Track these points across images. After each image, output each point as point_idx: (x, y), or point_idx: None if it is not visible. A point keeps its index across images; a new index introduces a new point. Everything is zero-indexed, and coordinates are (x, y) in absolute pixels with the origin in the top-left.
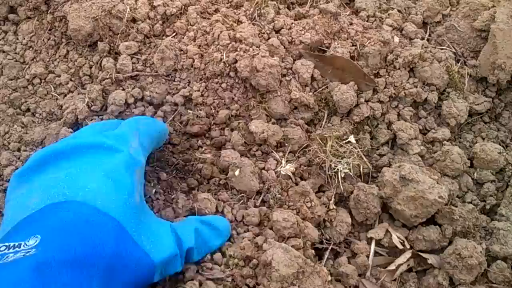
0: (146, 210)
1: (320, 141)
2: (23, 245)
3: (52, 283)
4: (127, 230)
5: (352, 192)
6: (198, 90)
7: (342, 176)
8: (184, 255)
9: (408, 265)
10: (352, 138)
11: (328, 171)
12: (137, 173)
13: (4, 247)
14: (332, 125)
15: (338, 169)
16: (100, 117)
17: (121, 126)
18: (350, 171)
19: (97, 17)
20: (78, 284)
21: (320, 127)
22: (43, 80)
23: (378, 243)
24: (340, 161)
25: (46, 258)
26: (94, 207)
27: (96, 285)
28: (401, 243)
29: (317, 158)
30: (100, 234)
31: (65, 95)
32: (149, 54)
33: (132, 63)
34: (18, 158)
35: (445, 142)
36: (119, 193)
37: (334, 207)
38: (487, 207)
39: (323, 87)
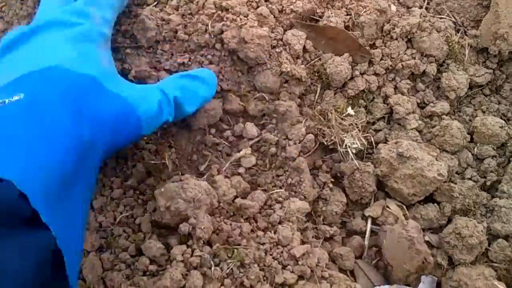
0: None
1: (320, 116)
2: (7, 100)
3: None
4: (104, 86)
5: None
6: (182, 64)
7: (354, 152)
8: (172, 104)
9: None
10: (351, 111)
11: (339, 147)
12: (103, 45)
13: None
14: (325, 100)
15: (347, 144)
16: None
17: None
18: (360, 146)
19: None
20: (66, 120)
21: (312, 101)
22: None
23: (374, 222)
24: (346, 136)
25: (32, 101)
26: (71, 70)
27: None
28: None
29: (321, 134)
30: (81, 91)
31: None
32: (128, 25)
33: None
34: None
35: (444, 116)
36: (91, 59)
37: (331, 185)
38: (488, 183)
39: (316, 59)
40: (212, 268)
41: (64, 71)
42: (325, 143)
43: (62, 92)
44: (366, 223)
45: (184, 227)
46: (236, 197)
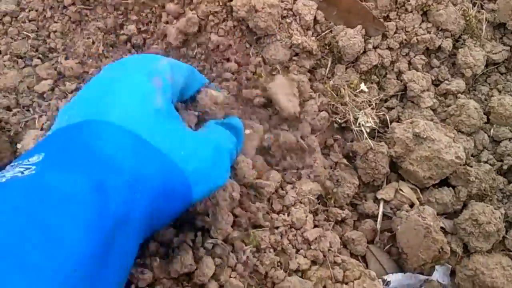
0: (174, 115)
1: (332, 92)
2: (25, 162)
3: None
4: (146, 140)
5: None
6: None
7: (368, 131)
8: (233, 156)
9: None
10: (364, 87)
11: (353, 126)
12: (156, 80)
13: (10, 166)
14: (337, 74)
15: (360, 123)
16: None
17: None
18: (374, 125)
19: None
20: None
21: (323, 76)
22: (14, 19)
23: (386, 205)
24: (359, 114)
25: (42, 183)
26: (108, 122)
27: (114, 207)
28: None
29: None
30: (115, 150)
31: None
32: None
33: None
34: None
35: (459, 95)
36: (135, 100)
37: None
38: (505, 167)
39: (327, 31)
40: (227, 255)
41: (103, 125)
42: (339, 120)
43: (82, 152)
44: (378, 206)
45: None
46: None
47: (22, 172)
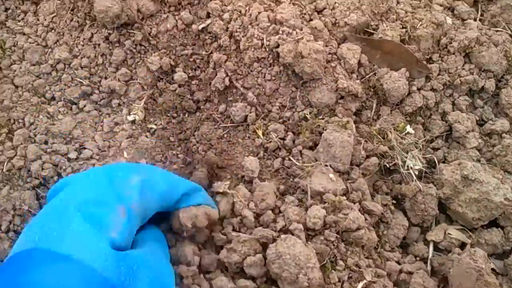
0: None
1: (378, 135)
2: None
3: None
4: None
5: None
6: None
7: (416, 173)
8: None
9: None
10: (410, 129)
11: (401, 169)
12: (120, 210)
13: None
14: (383, 117)
15: (408, 165)
16: None
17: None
18: (422, 167)
19: None
20: None
21: (368, 118)
22: (67, 66)
23: (436, 246)
24: (407, 157)
25: None
26: (65, 256)
27: None
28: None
29: (383, 154)
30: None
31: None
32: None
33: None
34: (46, 152)
35: (504, 134)
36: (97, 236)
37: (393, 208)
38: None
39: (371, 74)
40: None
41: (41, 256)
42: (387, 165)
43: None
44: (428, 247)
45: None
46: None
47: None
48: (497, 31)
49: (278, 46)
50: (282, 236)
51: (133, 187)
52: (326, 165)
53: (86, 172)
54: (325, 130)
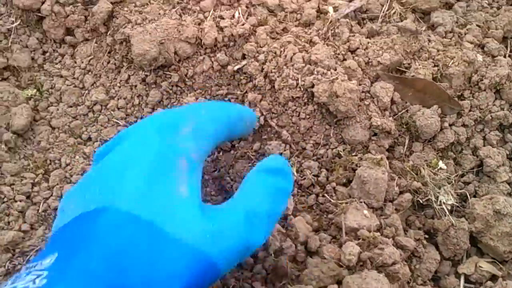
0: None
1: (411, 171)
2: (38, 265)
3: None
4: (164, 231)
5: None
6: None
7: (449, 208)
8: (276, 215)
9: None
10: (442, 165)
11: (434, 205)
12: (180, 163)
13: (25, 268)
14: (415, 153)
15: (441, 201)
16: None
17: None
18: (455, 202)
19: (163, 40)
20: None
21: (401, 154)
22: (104, 107)
23: (467, 280)
24: (440, 192)
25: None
26: (126, 212)
27: None
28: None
29: (416, 190)
30: (131, 247)
31: (126, 120)
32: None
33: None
34: None
35: None
36: (154, 189)
37: (426, 242)
38: None
39: (403, 111)
40: None
41: (113, 215)
42: (420, 200)
43: (97, 251)
44: (459, 280)
45: None
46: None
47: (34, 281)
48: None
49: (313, 86)
50: None
51: (187, 137)
52: (361, 202)
53: (135, 129)
54: (359, 167)
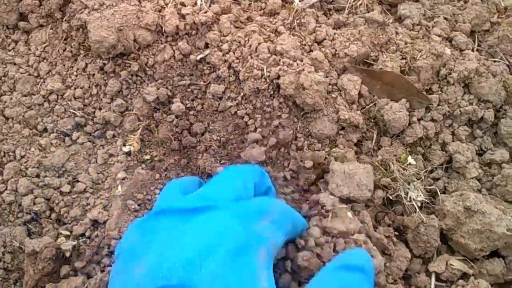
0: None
1: (380, 166)
2: None
3: None
4: None
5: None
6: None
7: (418, 205)
8: None
9: None
10: (411, 160)
11: (404, 200)
12: (262, 253)
13: None
14: (384, 148)
15: (411, 197)
16: None
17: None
18: (425, 198)
19: (121, 27)
20: None
21: (369, 149)
22: (60, 97)
23: (438, 278)
24: (409, 188)
25: None
26: None
27: None
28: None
29: (386, 185)
30: None
31: (84, 110)
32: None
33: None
34: (37, 185)
35: (503, 164)
36: (237, 276)
37: (396, 240)
38: None
39: (371, 105)
40: None
41: None
42: (390, 197)
43: None
44: (430, 279)
45: None
46: None
47: None
48: (494, 61)
49: (278, 77)
50: None
51: (266, 228)
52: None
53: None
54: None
